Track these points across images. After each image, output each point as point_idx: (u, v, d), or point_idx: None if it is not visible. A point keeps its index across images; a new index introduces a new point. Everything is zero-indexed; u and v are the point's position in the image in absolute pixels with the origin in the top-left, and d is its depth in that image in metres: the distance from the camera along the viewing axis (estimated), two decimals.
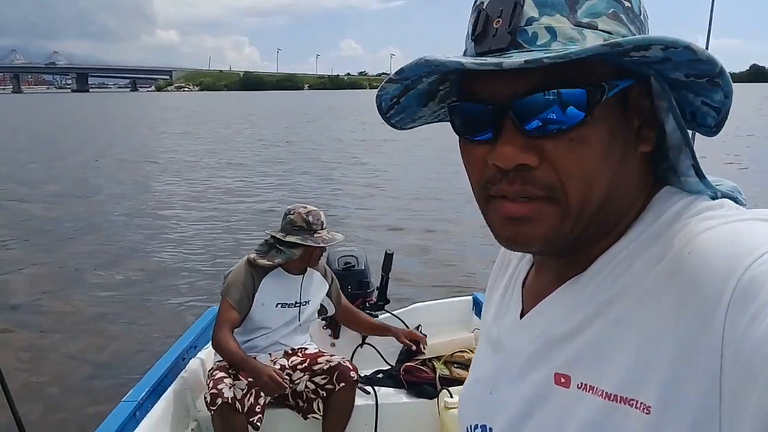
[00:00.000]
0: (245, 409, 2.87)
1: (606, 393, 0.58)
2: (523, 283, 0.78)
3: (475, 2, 0.65)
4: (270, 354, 3.17)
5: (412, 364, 3.32)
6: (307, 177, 16.64)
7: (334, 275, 3.41)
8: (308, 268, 3.23)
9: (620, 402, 0.57)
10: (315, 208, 3.15)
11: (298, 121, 43.58)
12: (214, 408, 2.82)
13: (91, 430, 2.49)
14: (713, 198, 0.65)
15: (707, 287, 0.52)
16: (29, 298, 7.44)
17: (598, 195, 0.61)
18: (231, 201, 13.23)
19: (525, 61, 0.53)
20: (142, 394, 2.73)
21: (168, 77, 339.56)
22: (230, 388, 2.88)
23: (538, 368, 0.66)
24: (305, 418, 3.11)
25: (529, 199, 0.61)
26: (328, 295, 3.35)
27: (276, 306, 3.13)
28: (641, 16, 0.64)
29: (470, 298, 3.80)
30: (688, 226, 0.60)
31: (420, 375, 3.27)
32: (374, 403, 3.15)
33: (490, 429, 0.73)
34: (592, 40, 0.58)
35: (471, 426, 0.77)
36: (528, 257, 0.80)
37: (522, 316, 0.74)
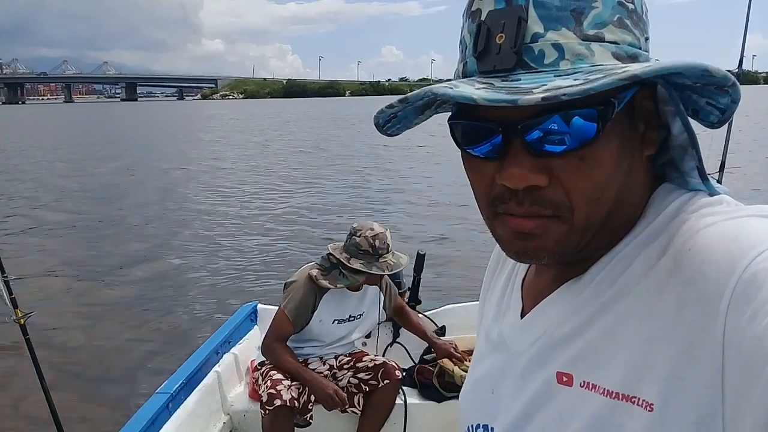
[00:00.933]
0: (300, 408, 2.90)
1: (608, 391, 0.58)
2: (522, 282, 0.77)
3: (470, 9, 0.62)
4: (321, 358, 3.18)
5: (426, 366, 3.31)
6: (342, 180, 16.74)
7: (390, 282, 3.32)
8: (365, 286, 3.18)
9: (622, 400, 0.57)
10: (382, 230, 3.00)
11: (338, 126, 43.79)
12: (270, 408, 2.82)
13: (124, 421, 2.53)
14: (711, 194, 0.64)
15: (708, 284, 0.52)
16: (67, 290, 7.70)
17: (606, 206, 0.61)
18: (267, 206, 13.39)
19: (542, 98, 0.50)
20: (176, 387, 2.78)
21: (213, 85, 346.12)
22: (288, 389, 2.89)
23: (541, 368, 0.66)
24: (342, 411, 3.10)
25: (537, 218, 0.60)
26: (384, 306, 3.29)
27: (333, 322, 3.11)
28: (644, 16, 0.62)
29: None
30: (687, 222, 0.60)
31: (430, 377, 3.25)
32: (403, 402, 3.14)
33: (492, 429, 0.73)
34: (600, 55, 0.56)
35: (472, 426, 0.77)
36: None
37: (522, 315, 0.73)
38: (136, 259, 9.05)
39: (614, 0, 0.58)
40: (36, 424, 4.23)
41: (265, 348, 3.05)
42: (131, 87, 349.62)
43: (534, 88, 0.52)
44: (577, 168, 0.58)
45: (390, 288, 3.30)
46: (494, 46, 0.58)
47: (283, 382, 2.91)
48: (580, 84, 0.51)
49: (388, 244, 2.98)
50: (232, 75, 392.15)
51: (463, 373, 3.08)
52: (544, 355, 0.66)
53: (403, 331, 3.52)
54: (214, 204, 13.63)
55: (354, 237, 2.98)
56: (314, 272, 3.01)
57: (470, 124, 0.62)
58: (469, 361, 3.18)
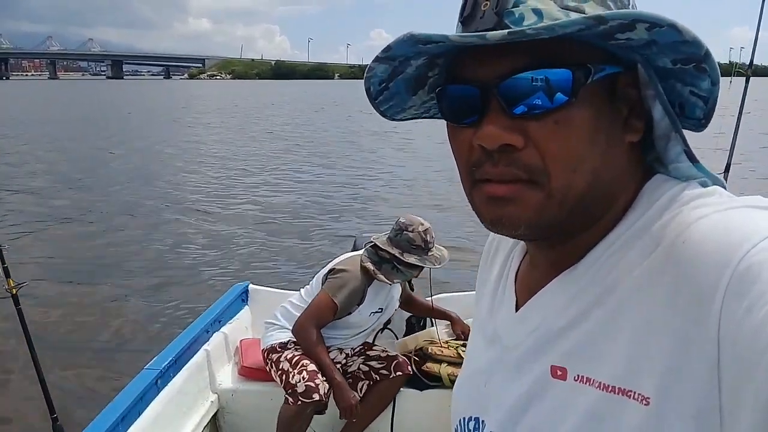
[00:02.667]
0: (327, 401, 2.86)
1: (603, 384, 0.58)
2: (516, 276, 0.77)
3: None
4: (341, 350, 3.15)
5: (407, 354, 3.27)
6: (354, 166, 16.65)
7: None
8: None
9: (618, 393, 0.56)
10: (428, 224, 3.02)
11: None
12: (307, 401, 2.78)
13: (113, 395, 2.53)
14: (704, 185, 0.65)
15: (703, 277, 0.52)
16: (58, 266, 7.66)
17: (583, 179, 0.61)
18: (254, 185, 13.37)
19: (508, 32, 0.53)
20: (165, 364, 2.77)
21: (201, 65, 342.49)
22: (323, 382, 2.85)
23: (535, 361, 0.66)
24: None
25: (511, 181, 0.61)
26: (400, 297, 3.29)
27: (369, 315, 3.10)
28: (629, 5, 0.63)
29: None
30: (680, 214, 0.59)
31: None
32: (396, 392, 3.14)
33: (483, 422, 0.73)
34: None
35: (464, 419, 0.77)
36: (520, 249, 0.78)
37: (517, 309, 0.73)
38: (128, 237, 9.02)
39: None
40: (26, 395, 4.22)
41: (301, 329, 2.97)
42: (117, 65, 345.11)
43: (505, 31, 0.54)
44: (552, 131, 0.58)
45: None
46: (479, 11, 0.60)
47: (318, 375, 2.86)
48: (548, 23, 0.53)
49: (434, 238, 3.00)
50: (220, 55, 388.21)
51: (451, 369, 3.07)
52: (538, 349, 0.66)
53: (393, 319, 3.51)
54: (206, 183, 13.57)
55: (406, 232, 2.96)
56: (370, 266, 2.97)
57: (452, 87, 0.64)
58: (448, 348, 3.19)
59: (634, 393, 0.55)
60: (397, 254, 2.93)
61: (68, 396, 4.34)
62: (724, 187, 0.65)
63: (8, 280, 2.85)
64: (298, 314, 3.02)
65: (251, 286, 3.71)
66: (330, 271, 3.07)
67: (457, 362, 3.08)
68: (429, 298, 3.41)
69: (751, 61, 4.00)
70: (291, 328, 3.02)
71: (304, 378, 2.82)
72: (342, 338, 3.12)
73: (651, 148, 0.67)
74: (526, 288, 0.73)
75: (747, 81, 3.84)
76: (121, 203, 11.46)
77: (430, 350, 3.18)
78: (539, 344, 0.66)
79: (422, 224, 2.98)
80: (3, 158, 17.15)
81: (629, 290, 0.59)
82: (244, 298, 3.65)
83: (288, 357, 2.95)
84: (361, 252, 3.10)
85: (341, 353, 3.13)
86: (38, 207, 11.11)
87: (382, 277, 2.94)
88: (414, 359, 3.20)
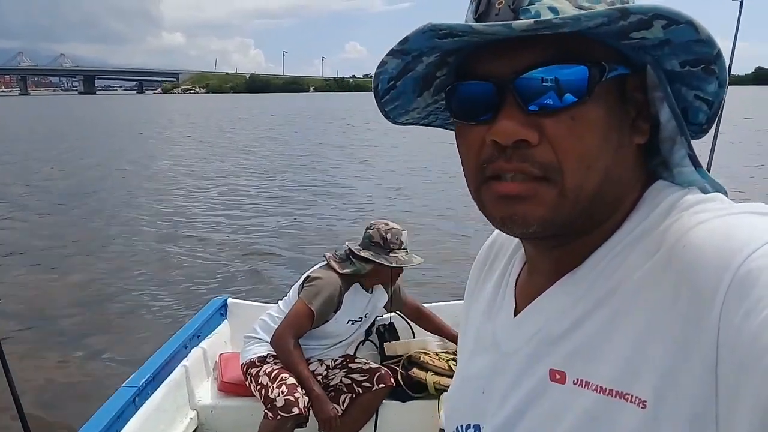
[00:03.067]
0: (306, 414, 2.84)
1: (600, 387, 0.58)
2: (516, 282, 0.76)
3: None
4: (321, 361, 3.13)
5: (390, 365, 3.27)
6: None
7: (400, 285, 3.30)
8: (374, 288, 3.16)
9: (615, 396, 0.56)
10: (397, 227, 3.06)
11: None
12: (287, 415, 2.75)
13: (89, 414, 2.47)
14: (704, 191, 0.65)
15: (702, 282, 0.52)
16: (30, 281, 7.56)
17: (596, 178, 0.61)
18: (233, 196, 13.28)
19: (535, 21, 0.53)
20: (142, 381, 2.72)
21: (174, 79, 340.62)
22: (303, 396, 2.83)
23: (534, 366, 0.65)
24: None
25: (525, 179, 0.60)
26: (385, 306, 3.27)
27: (347, 322, 3.09)
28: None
29: None
30: (681, 219, 0.59)
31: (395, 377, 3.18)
32: (378, 405, 3.13)
33: (481, 428, 0.72)
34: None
35: (462, 426, 0.76)
36: (521, 255, 0.78)
37: (516, 314, 0.72)
38: (104, 252, 8.90)
39: None
40: None
41: (280, 340, 2.95)
42: (90, 80, 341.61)
43: (530, 20, 0.54)
44: (568, 127, 0.59)
45: (399, 290, 3.29)
46: (494, 9, 0.60)
47: (298, 389, 2.83)
48: (573, 13, 0.54)
49: (401, 241, 3.02)
50: (194, 69, 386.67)
51: (437, 378, 3.07)
52: (538, 354, 0.66)
53: (373, 330, 3.50)
54: (186, 197, 13.49)
55: (368, 230, 3.05)
56: (337, 267, 3.03)
57: (465, 84, 0.64)
58: (439, 359, 3.18)
59: (632, 396, 0.55)
60: (355, 249, 3.00)
61: (44, 415, 4.25)
62: (726, 194, 0.65)
63: None
64: (277, 326, 3.00)
65: (230, 300, 3.68)
66: (305, 279, 3.08)
67: (446, 374, 3.07)
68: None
69: (729, 67, 4.05)
70: (270, 340, 3.00)
71: (283, 392, 2.80)
72: (321, 348, 3.10)
73: (656, 153, 0.67)
74: (526, 294, 0.72)
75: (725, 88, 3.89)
76: (95, 217, 11.33)
77: (421, 359, 3.17)
78: (539, 349, 0.65)
79: (387, 224, 3.05)
80: None
81: (629, 293, 0.59)
82: (222, 312, 3.61)
83: (267, 371, 2.92)
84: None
85: (321, 365, 3.11)
86: (11, 228, 10.89)
87: (333, 265, 3.02)
88: (401, 365, 3.19)
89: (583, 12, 0.53)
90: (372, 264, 2.98)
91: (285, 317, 2.99)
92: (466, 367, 0.80)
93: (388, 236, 2.99)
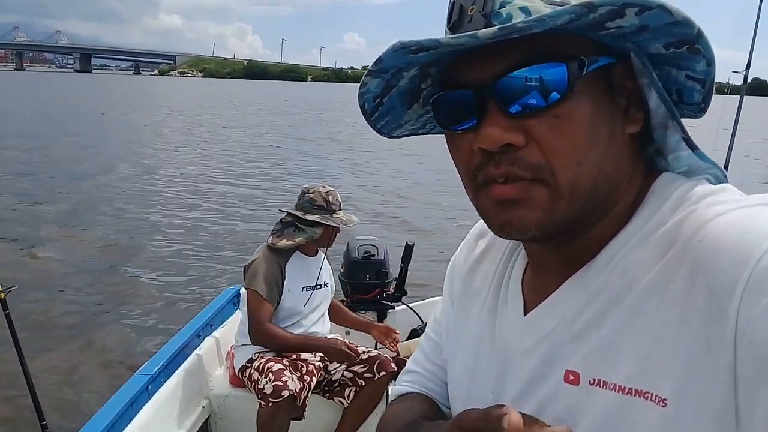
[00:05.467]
0: (301, 401, 2.85)
1: (619, 386, 0.57)
2: (522, 278, 0.75)
3: None
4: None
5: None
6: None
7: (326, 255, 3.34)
8: (319, 251, 3.19)
9: (634, 395, 0.56)
10: (333, 188, 3.11)
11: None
12: (276, 400, 2.75)
13: (103, 401, 2.48)
14: (711, 182, 0.65)
15: (720, 276, 0.52)
16: (45, 269, 7.46)
17: (589, 173, 0.60)
18: (242, 185, 13.25)
19: (499, 28, 0.53)
20: (156, 369, 2.73)
21: (171, 62, 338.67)
22: (292, 380, 2.84)
23: (549, 367, 0.65)
24: (328, 399, 3.09)
25: (517, 180, 0.60)
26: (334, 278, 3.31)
27: (302, 290, 3.08)
28: None
29: None
30: (695, 212, 0.59)
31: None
32: (384, 392, 3.11)
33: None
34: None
35: None
36: (522, 252, 0.77)
37: (526, 312, 0.71)
38: (118, 240, 8.82)
39: None
40: (14, 402, 4.12)
41: (259, 334, 2.96)
42: (86, 58, 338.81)
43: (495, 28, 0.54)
44: (552, 126, 0.58)
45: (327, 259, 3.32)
46: (466, 16, 0.60)
47: (285, 372, 2.85)
48: (545, 12, 0.53)
49: (339, 202, 3.08)
50: (191, 52, 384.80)
51: None
52: (552, 354, 0.65)
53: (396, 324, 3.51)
54: (196, 186, 13.39)
55: (307, 194, 3.06)
56: (270, 240, 3.05)
57: (447, 94, 0.63)
58: None
59: (651, 394, 0.54)
60: (299, 215, 3.01)
61: (58, 402, 4.25)
62: (725, 175, 0.66)
63: None
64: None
65: (243, 290, 3.64)
66: (244, 270, 3.09)
67: None
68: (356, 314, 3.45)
69: (749, 62, 4.05)
70: (251, 341, 3.02)
71: (270, 380, 2.82)
72: (295, 326, 3.08)
73: (651, 142, 0.66)
74: (535, 291, 0.71)
75: (742, 95, 3.90)
76: (105, 205, 11.20)
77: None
78: (553, 349, 0.65)
79: (324, 187, 3.10)
80: None
81: (645, 290, 0.58)
82: (235, 301, 3.61)
83: (256, 367, 2.95)
84: None
85: (315, 355, 3.10)
86: (26, 210, 10.73)
87: (283, 242, 2.99)
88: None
89: (546, 12, 0.52)
90: (322, 227, 3.01)
91: (247, 316, 3.00)
92: (472, 365, 0.78)
93: (330, 198, 3.05)
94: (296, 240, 3.00)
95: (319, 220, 2.98)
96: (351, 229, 3.16)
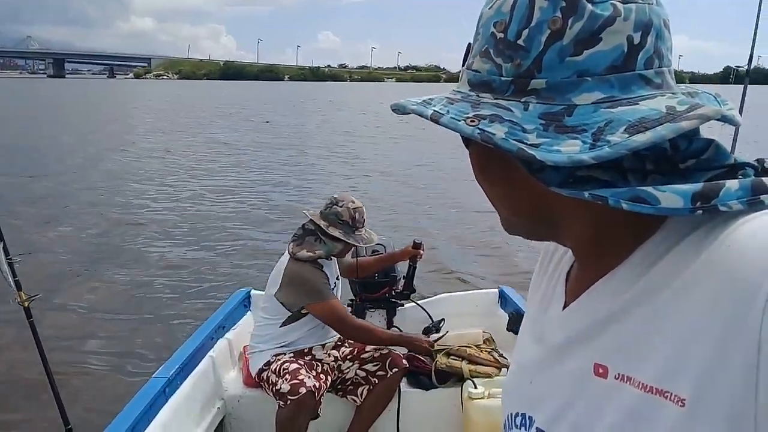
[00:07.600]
0: (317, 400, 2.85)
1: (642, 384, 0.58)
2: (568, 275, 0.78)
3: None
4: (323, 345, 3.15)
5: (414, 354, 3.24)
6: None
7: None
8: None
9: (656, 394, 0.56)
10: (361, 205, 3.07)
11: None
12: (294, 398, 2.76)
13: (122, 404, 2.51)
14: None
15: (745, 281, 0.52)
16: (64, 277, 7.46)
17: (509, 210, 0.71)
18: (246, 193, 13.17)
19: (431, 116, 0.61)
20: (172, 372, 2.76)
21: (146, 65, 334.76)
22: (309, 377, 2.85)
23: (577, 359, 0.66)
24: (341, 397, 3.12)
25: None
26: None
27: (332, 286, 3.09)
28: (519, 42, 0.60)
29: (496, 290, 3.78)
30: (724, 216, 0.58)
31: (418, 365, 3.19)
32: (396, 389, 3.16)
33: (530, 417, 0.73)
34: (463, 81, 0.66)
35: (512, 414, 0.78)
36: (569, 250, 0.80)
37: (564, 308, 0.74)
38: (134, 245, 8.81)
39: (488, 32, 0.63)
40: (40, 407, 4.12)
41: (354, 330, 3.01)
42: (59, 63, 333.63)
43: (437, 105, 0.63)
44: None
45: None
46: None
47: (301, 371, 2.87)
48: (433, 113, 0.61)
49: (364, 219, 3.05)
50: (166, 55, 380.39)
51: (473, 366, 3.06)
52: (581, 346, 0.66)
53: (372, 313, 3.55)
54: (204, 190, 13.27)
55: (335, 206, 3.01)
56: (290, 247, 3.02)
57: None
58: (482, 352, 3.15)
59: (671, 394, 0.55)
60: (322, 226, 2.98)
61: (82, 406, 4.27)
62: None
63: (20, 293, 2.78)
64: (269, 332, 3.05)
65: (253, 292, 3.72)
66: (289, 282, 3.00)
67: (484, 363, 3.09)
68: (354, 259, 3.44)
69: (751, 56, 4.05)
70: (267, 348, 3.04)
71: (287, 379, 2.83)
72: (317, 329, 3.09)
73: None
74: (575, 288, 0.74)
75: (745, 87, 3.91)
76: (117, 207, 11.16)
77: (467, 353, 3.13)
78: (581, 342, 0.66)
79: (353, 202, 3.04)
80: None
81: (672, 291, 0.58)
82: (246, 303, 3.65)
83: (273, 369, 2.96)
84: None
85: (323, 349, 3.14)
86: (46, 217, 10.58)
87: (303, 253, 2.97)
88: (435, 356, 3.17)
89: (442, 119, 0.60)
90: (343, 243, 3.01)
91: (330, 324, 3.02)
92: (519, 357, 0.82)
93: (356, 215, 3.01)
94: (316, 252, 2.98)
95: (341, 237, 2.96)
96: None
